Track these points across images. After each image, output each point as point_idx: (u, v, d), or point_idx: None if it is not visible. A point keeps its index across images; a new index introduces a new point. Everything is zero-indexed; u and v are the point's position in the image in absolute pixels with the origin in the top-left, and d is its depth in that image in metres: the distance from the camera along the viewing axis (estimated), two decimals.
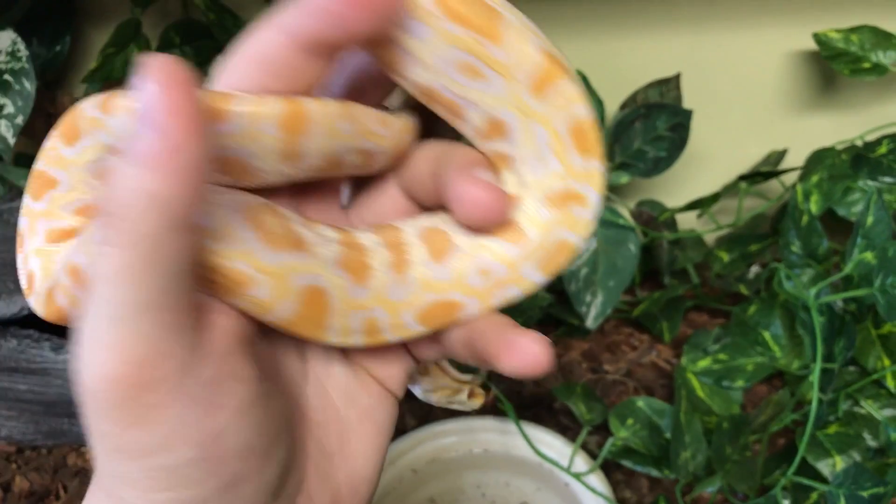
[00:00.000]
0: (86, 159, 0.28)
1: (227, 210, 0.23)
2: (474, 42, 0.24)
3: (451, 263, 0.27)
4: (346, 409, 0.30)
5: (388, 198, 0.29)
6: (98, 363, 0.21)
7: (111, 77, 0.72)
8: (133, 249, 0.20)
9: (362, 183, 0.30)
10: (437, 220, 0.28)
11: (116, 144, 0.25)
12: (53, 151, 0.28)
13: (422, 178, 0.27)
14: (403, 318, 0.27)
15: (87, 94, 0.77)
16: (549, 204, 0.26)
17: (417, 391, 0.41)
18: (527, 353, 0.26)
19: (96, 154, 0.27)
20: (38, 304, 0.29)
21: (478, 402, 0.45)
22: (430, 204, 0.28)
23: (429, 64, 0.24)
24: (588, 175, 0.26)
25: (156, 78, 0.19)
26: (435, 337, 0.29)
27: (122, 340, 0.21)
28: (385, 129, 0.26)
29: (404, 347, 0.31)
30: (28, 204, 0.30)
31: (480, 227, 0.27)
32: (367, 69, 0.27)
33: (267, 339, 0.27)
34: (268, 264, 0.24)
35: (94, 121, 0.25)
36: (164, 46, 0.79)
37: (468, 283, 0.27)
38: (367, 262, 0.26)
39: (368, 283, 0.26)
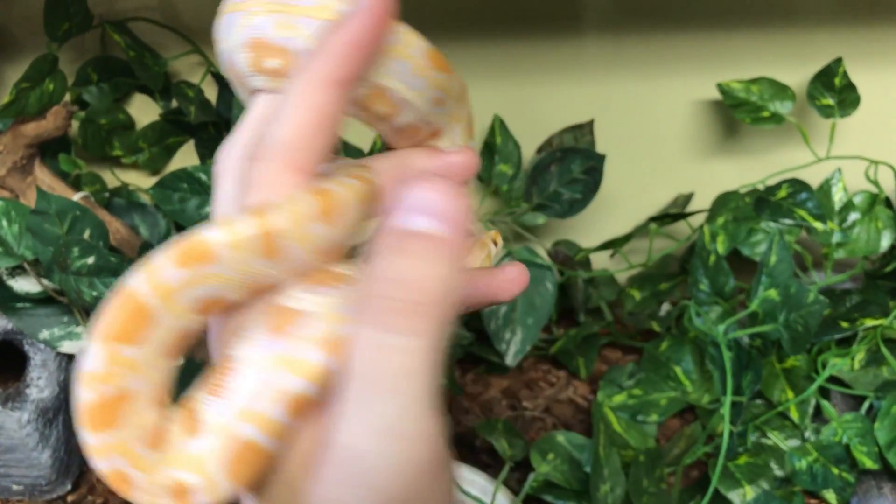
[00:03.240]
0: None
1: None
2: (446, 80, 0.31)
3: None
4: None
5: None
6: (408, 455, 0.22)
7: (25, 112, 0.71)
8: (439, 336, 0.22)
9: None
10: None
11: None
12: None
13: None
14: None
15: None
16: None
17: None
18: None
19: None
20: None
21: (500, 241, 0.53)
22: None
23: (419, 106, 0.31)
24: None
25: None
26: None
27: (424, 426, 0.22)
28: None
29: None
30: None
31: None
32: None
33: None
34: None
35: None
36: (82, 83, 0.78)
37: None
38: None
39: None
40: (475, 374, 0.85)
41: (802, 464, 0.67)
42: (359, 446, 0.22)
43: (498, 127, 0.82)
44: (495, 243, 0.52)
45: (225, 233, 0.24)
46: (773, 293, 0.66)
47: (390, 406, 0.22)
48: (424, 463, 0.23)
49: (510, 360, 0.81)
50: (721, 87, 0.79)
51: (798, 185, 0.74)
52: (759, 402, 0.73)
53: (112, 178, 0.85)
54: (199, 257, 0.24)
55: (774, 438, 0.71)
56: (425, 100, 0.31)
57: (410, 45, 0.29)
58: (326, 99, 0.25)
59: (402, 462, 0.22)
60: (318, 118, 0.25)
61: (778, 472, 0.68)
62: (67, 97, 0.77)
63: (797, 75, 0.80)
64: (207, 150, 0.83)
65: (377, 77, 0.29)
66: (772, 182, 0.78)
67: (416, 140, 0.34)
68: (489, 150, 0.83)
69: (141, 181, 0.86)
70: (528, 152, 0.84)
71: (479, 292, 0.32)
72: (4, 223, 0.67)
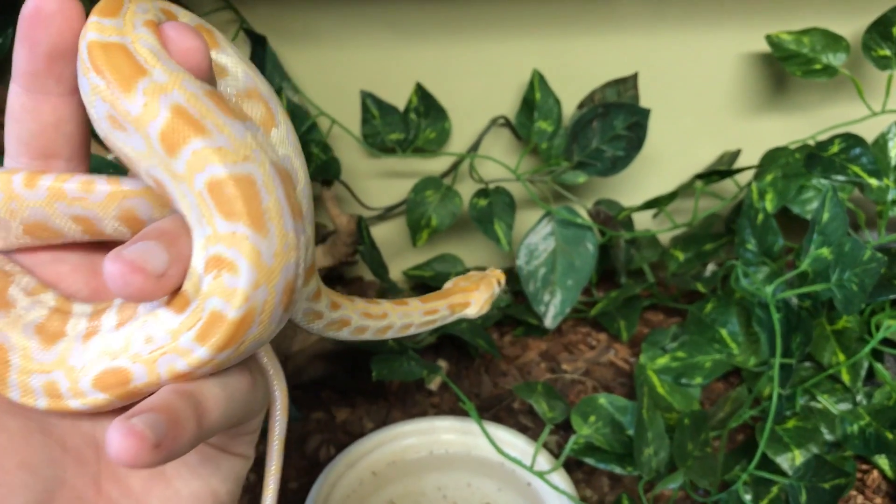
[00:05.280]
0: None
1: None
2: (110, 93, 0.24)
3: (126, 329, 0.26)
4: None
5: None
6: None
7: None
8: None
9: None
10: None
11: None
12: None
13: None
14: (81, 384, 0.26)
15: None
16: (207, 270, 0.25)
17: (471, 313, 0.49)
18: (111, 446, 0.23)
19: None
20: None
21: (503, 280, 0.53)
22: None
23: (94, 117, 0.25)
24: (234, 240, 0.24)
25: None
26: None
27: None
28: (88, 194, 0.27)
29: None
30: None
31: (132, 300, 0.25)
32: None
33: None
34: None
35: None
36: None
37: (135, 350, 0.26)
38: (63, 329, 0.27)
39: (55, 348, 0.27)
40: (513, 337, 0.84)
41: (854, 428, 0.65)
42: None
43: (537, 82, 0.79)
44: (499, 283, 0.52)
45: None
46: (825, 251, 0.63)
47: None
48: None
49: (549, 322, 0.79)
50: (770, 39, 0.75)
51: (852, 140, 0.71)
52: (808, 364, 0.71)
53: None
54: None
55: (824, 402, 0.68)
56: (97, 116, 0.25)
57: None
58: None
59: None
60: None
61: (828, 437, 0.66)
62: None
63: (851, 25, 0.76)
64: None
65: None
66: (824, 137, 0.75)
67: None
68: (528, 107, 0.80)
69: None
70: (569, 108, 0.81)
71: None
72: None
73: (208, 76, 0.27)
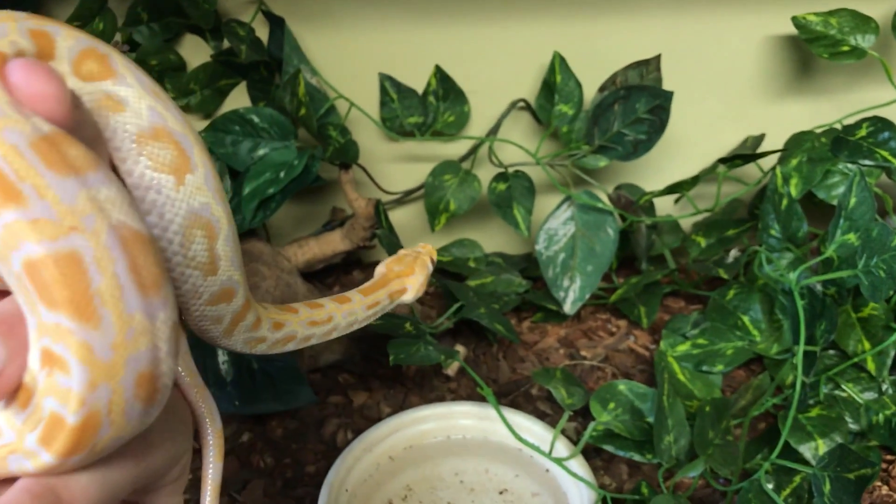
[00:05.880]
0: None
1: None
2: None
3: None
4: None
5: None
6: None
7: None
8: None
9: None
10: None
11: None
12: None
13: None
14: None
15: None
16: (41, 365, 0.21)
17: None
18: None
19: None
20: None
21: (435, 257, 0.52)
22: None
23: None
24: (59, 333, 0.20)
25: None
26: None
27: None
28: None
29: None
30: None
31: None
32: None
33: None
34: None
35: None
36: (131, 22, 0.77)
37: None
38: None
39: None
40: (532, 322, 0.83)
41: (880, 417, 0.64)
42: None
43: (558, 64, 0.78)
44: (432, 261, 0.51)
45: None
46: (851, 237, 0.62)
47: None
48: None
49: (568, 308, 0.78)
50: (797, 21, 0.74)
51: (880, 123, 0.70)
52: (832, 352, 0.70)
53: None
54: None
55: (849, 391, 0.67)
56: None
57: None
58: None
59: None
60: None
61: (853, 426, 0.65)
62: (118, 37, 0.75)
63: (880, 5, 0.75)
64: (260, 92, 0.81)
65: None
66: (851, 121, 0.73)
67: None
68: (548, 90, 0.79)
69: (193, 124, 0.85)
70: (590, 91, 0.80)
71: None
72: None
73: (67, 124, 0.22)
